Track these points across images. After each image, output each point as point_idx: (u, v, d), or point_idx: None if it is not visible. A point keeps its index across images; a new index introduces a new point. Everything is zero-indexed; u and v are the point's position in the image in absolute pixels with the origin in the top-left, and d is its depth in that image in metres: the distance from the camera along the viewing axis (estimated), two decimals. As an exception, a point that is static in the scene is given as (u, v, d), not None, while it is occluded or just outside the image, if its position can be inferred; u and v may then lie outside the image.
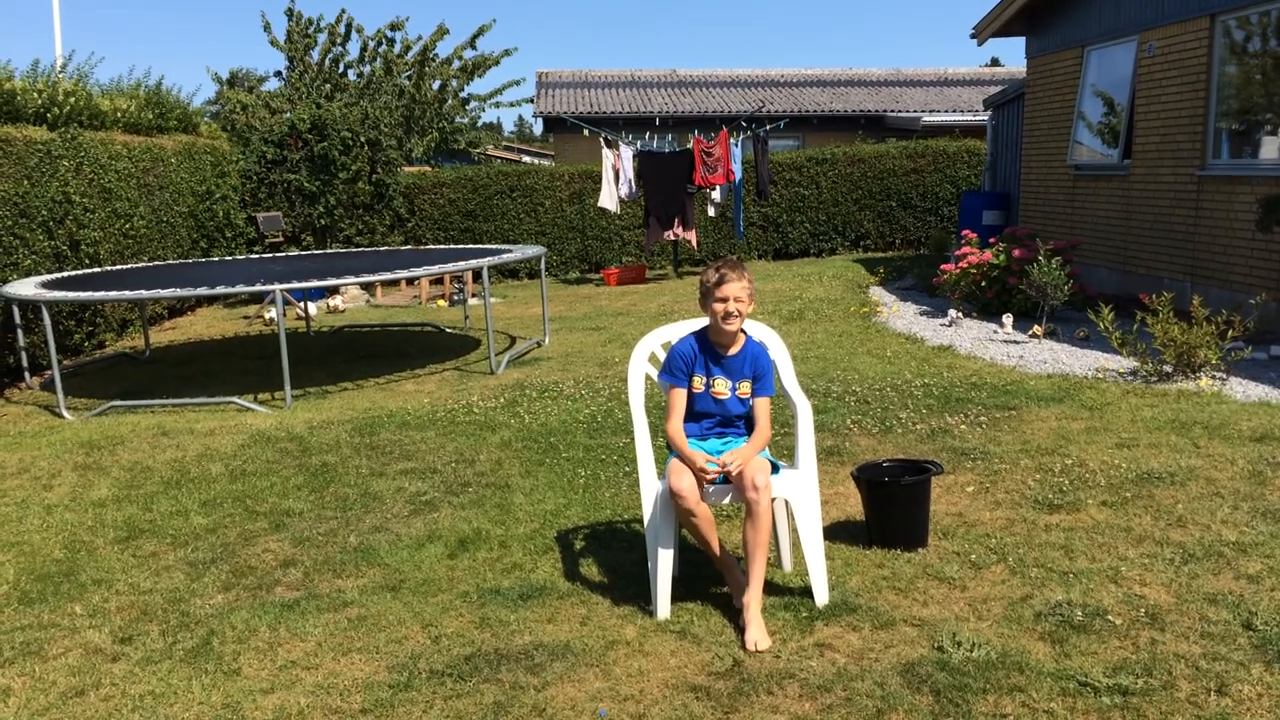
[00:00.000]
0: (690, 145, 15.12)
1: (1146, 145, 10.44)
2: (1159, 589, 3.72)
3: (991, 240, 10.43)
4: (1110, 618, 3.49)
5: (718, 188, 15.36)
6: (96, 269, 10.29)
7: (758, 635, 3.49)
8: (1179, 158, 9.89)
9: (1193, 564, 3.91)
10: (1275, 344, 7.85)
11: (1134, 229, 10.67)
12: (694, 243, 15.51)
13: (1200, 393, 6.56)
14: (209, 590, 4.18)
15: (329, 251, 13.29)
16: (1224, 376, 6.97)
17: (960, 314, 9.91)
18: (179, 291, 7.89)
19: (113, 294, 7.88)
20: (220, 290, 7.89)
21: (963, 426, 6.02)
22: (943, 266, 10.68)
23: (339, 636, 3.69)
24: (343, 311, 13.63)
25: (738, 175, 15.16)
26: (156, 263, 11.76)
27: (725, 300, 3.74)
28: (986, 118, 15.99)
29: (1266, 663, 3.14)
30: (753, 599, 3.61)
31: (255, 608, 3.96)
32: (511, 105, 34.12)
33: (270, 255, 12.42)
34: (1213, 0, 9.37)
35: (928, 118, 21.20)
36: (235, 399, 7.80)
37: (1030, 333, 8.91)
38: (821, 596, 3.74)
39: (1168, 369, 7.05)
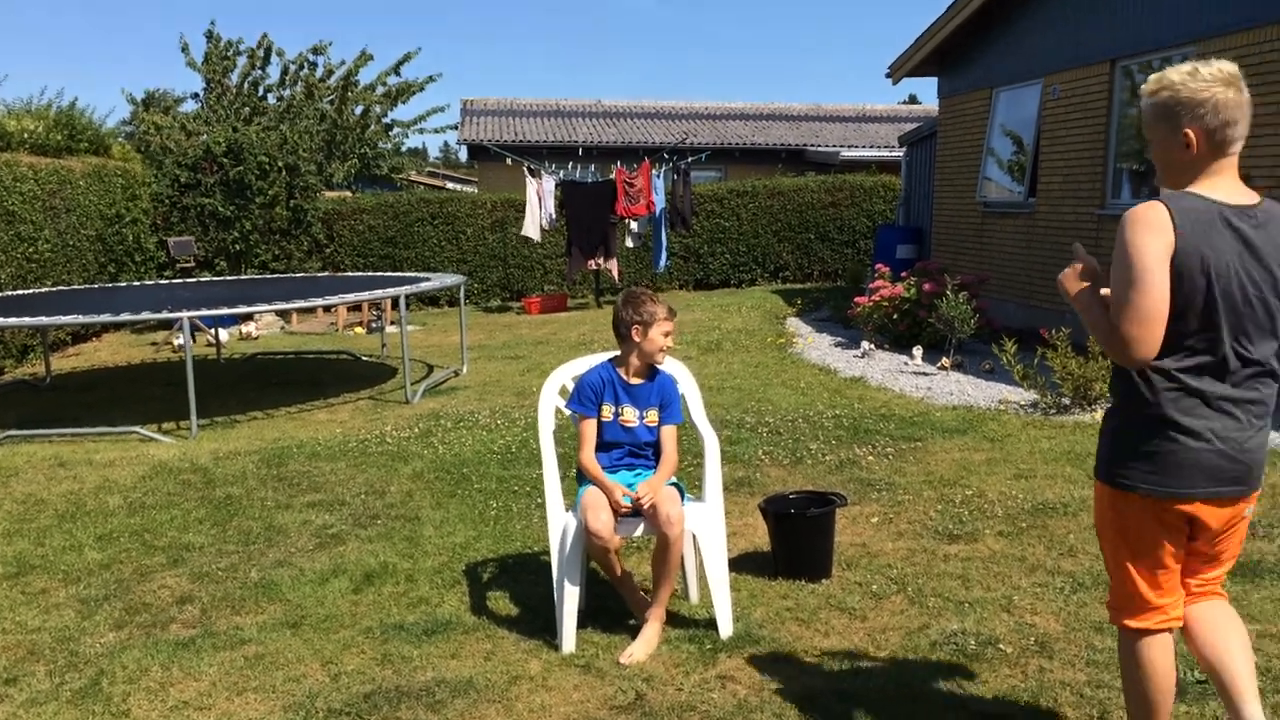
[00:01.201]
0: (613, 175, 15.23)
1: (1050, 184, 10.80)
2: (1049, 618, 3.82)
3: (904, 274, 10.67)
4: (1002, 646, 3.58)
5: (638, 218, 15.47)
6: (-3, 293, 9.98)
7: (636, 648, 3.63)
8: (1080, 197, 10.25)
9: (1081, 593, 4.03)
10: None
11: (1037, 264, 11.01)
12: (615, 272, 15.58)
13: (1095, 424, 6.75)
14: (100, 628, 4.06)
15: (242, 278, 13.07)
16: (1120, 409, 7.20)
17: (873, 346, 10.10)
18: (82, 318, 7.70)
19: (13, 320, 7.64)
20: (125, 317, 7.71)
21: (870, 458, 6.13)
22: (857, 299, 10.88)
23: (234, 675, 3.61)
24: (256, 338, 13.39)
25: (659, 206, 15.29)
26: (61, 288, 11.45)
27: (669, 334, 3.92)
28: (902, 154, 16.39)
29: (1148, 690, 3.24)
30: (654, 617, 3.74)
31: (148, 646, 3.85)
32: (436, 132, 34.05)
33: (181, 281, 12.17)
34: (1113, 47, 9.76)
35: (846, 152, 21.65)
36: (138, 429, 7.61)
37: (939, 365, 9.12)
38: (726, 628, 3.77)
39: (1065, 401, 7.27)
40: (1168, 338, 2.41)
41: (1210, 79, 2.45)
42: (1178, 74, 2.52)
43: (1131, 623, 2.58)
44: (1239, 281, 2.41)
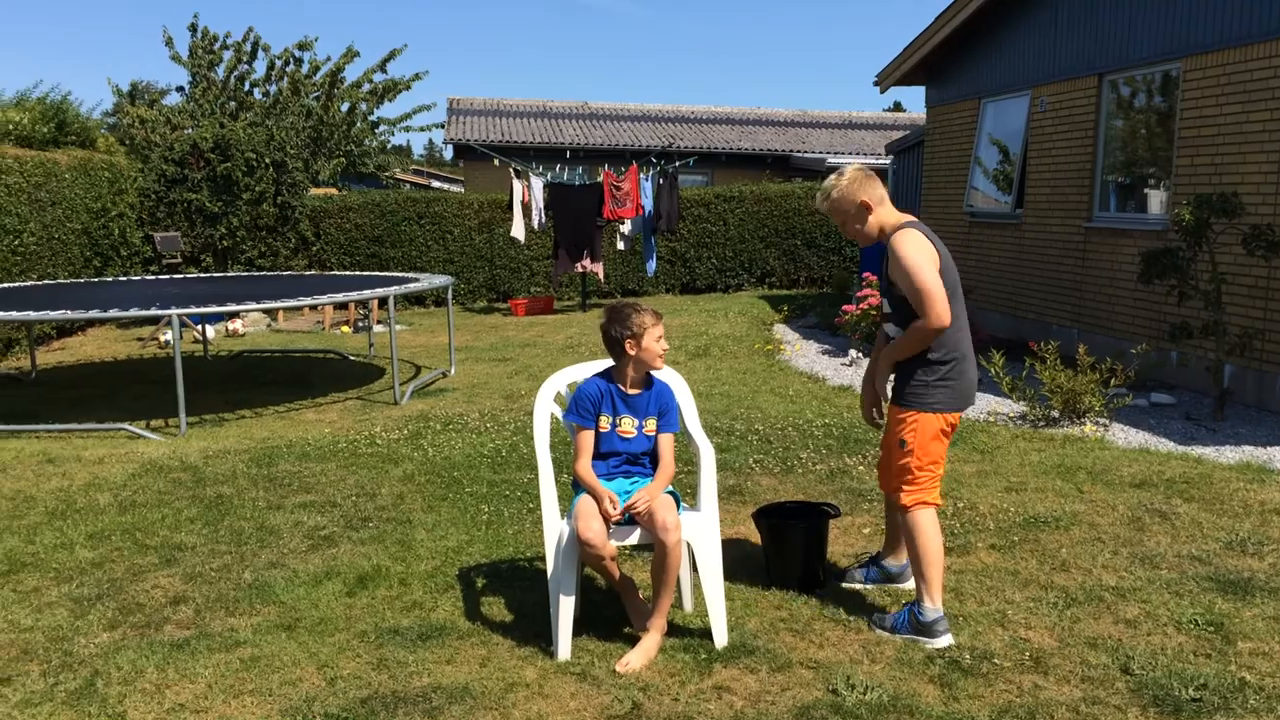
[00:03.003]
0: (600, 178, 15.24)
1: (1038, 196, 10.88)
2: (1043, 632, 3.86)
3: (891, 283, 10.70)
4: (996, 661, 3.61)
5: (627, 221, 15.49)
6: (-19, 286, 9.89)
7: (634, 656, 3.64)
8: (1068, 209, 10.33)
9: (1075, 608, 4.07)
10: (1155, 391, 8.23)
11: (1025, 276, 11.09)
12: (601, 275, 15.60)
13: (1085, 438, 6.83)
14: (94, 628, 4.04)
15: (229, 275, 13.02)
16: (1107, 423, 7.28)
17: (861, 354, 10.15)
18: (69, 314, 7.63)
19: (-1, 314, 7.58)
20: (115, 314, 7.66)
21: (860, 468, 6.16)
22: (844, 307, 10.93)
23: (230, 678, 3.60)
24: (242, 335, 13.33)
25: (647, 210, 15.31)
26: (46, 281, 11.37)
27: (661, 337, 3.92)
28: (888, 162, 16.47)
29: (1142, 706, 3.28)
30: (654, 627, 3.74)
31: (142, 647, 3.84)
32: (422, 130, 33.98)
33: (167, 276, 12.11)
34: (1100, 61, 9.84)
35: (832, 159, 21.73)
36: (126, 425, 7.57)
37: (927, 374, 9.16)
38: (721, 638, 3.78)
39: (1055, 414, 7.33)
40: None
41: (865, 170, 3.88)
42: (846, 178, 3.86)
43: (932, 501, 3.84)
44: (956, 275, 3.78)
